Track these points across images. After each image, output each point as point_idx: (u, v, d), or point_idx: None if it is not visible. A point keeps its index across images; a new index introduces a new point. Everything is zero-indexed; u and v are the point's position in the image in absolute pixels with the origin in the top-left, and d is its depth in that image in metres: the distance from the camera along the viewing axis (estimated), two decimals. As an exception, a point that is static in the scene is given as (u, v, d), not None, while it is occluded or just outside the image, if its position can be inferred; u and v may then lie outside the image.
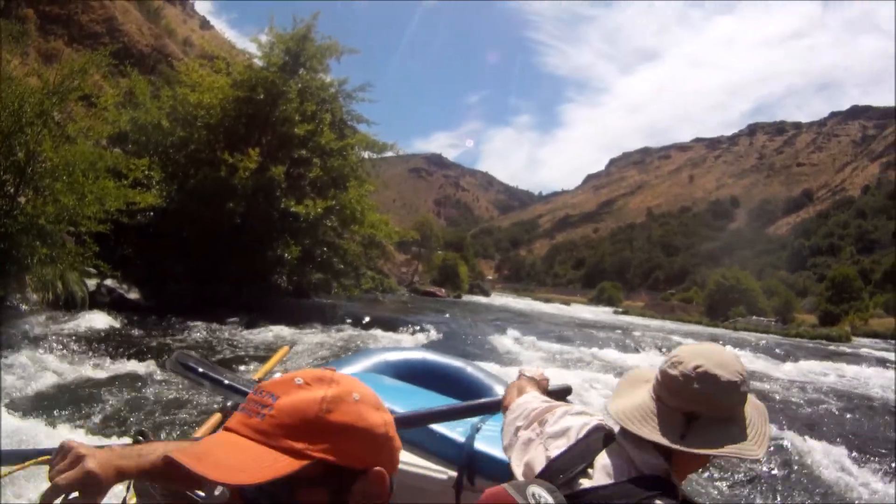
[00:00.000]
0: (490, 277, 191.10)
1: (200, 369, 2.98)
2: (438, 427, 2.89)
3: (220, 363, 8.26)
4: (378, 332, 17.31)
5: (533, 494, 1.31)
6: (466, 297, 71.87)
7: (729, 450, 1.44)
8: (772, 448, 8.73)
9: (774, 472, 7.76)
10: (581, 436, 1.58)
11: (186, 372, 2.99)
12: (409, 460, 2.79)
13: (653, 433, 1.46)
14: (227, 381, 2.96)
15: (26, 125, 11.79)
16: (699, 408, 1.46)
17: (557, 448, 1.57)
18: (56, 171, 12.10)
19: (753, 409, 1.56)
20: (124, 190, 13.49)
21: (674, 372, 1.49)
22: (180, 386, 8.12)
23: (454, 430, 2.91)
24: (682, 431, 1.45)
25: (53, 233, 12.38)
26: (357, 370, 4.00)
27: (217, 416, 2.85)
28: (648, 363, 16.67)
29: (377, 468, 1.00)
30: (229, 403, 3.01)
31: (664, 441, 1.44)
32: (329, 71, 23.11)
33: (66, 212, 12.21)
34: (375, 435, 1.01)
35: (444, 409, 2.67)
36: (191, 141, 20.04)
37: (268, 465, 0.92)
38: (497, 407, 2.28)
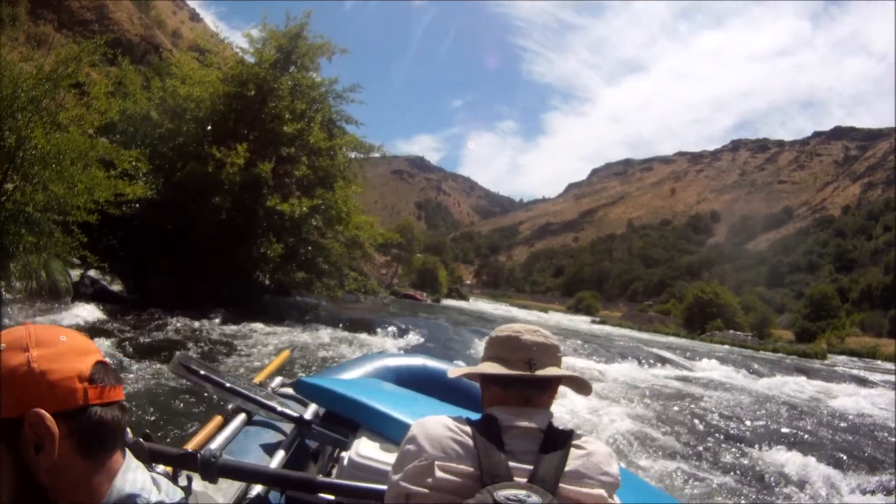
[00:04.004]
0: (469, 282, 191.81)
1: (202, 372, 2.99)
2: None
3: (203, 359, 8.21)
4: (362, 333, 17.32)
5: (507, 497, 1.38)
6: (445, 301, 72.14)
7: (568, 373, 1.71)
8: (748, 458, 8.82)
9: (751, 483, 7.83)
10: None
11: (189, 374, 2.99)
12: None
13: (506, 371, 1.66)
14: (228, 385, 2.97)
15: (18, 110, 11.70)
16: (535, 355, 1.68)
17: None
18: (46, 159, 12.01)
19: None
20: (114, 180, 13.41)
21: (505, 333, 1.74)
22: (168, 385, 8.10)
23: None
24: (529, 370, 1.65)
25: (41, 221, 12.30)
26: (357, 375, 4.01)
27: (218, 419, 2.87)
28: (625, 373, 16.83)
29: (33, 410, 1.01)
30: (230, 406, 3.03)
31: (518, 373, 1.65)
32: (320, 70, 23.10)
33: (56, 200, 12.14)
34: (16, 377, 1.02)
35: None
36: (179, 134, 19.87)
37: None
38: None
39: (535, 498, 1.37)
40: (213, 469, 2.05)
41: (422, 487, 1.48)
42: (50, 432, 1.01)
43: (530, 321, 2.53)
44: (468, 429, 1.57)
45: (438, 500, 1.46)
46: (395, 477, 1.56)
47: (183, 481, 1.83)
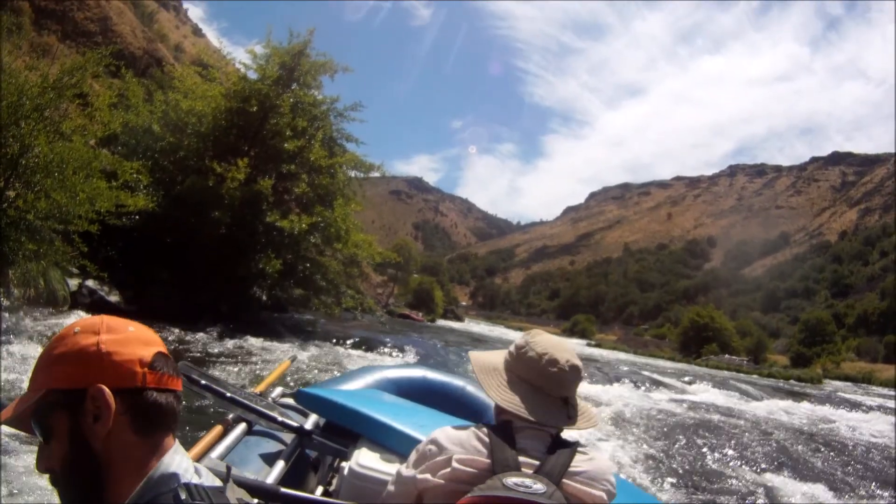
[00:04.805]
0: (464, 303, 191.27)
1: (203, 381, 2.99)
2: None
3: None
4: (358, 350, 17.31)
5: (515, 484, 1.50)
6: (441, 322, 72.01)
7: (595, 421, 1.86)
8: (741, 480, 8.81)
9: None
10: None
11: (189, 384, 2.98)
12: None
13: (550, 420, 1.77)
14: (228, 394, 2.97)
15: (22, 118, 11.74)
16: (570, 392, 1.82)
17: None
18: (49, 167, 12.02)
19: None
20: (115, 191, 13.43)
21: (554, 369, 1.79)
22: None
23: None
24: (567, 412, 1.79)
25: (42, 229, 12.31)
26: (357, 386, 4.00)
27: (218, 428, 2.86)
28: (621, 396, 16.77)
29: (97, 385, 1.13)
30: (230, 416, 3.02)
31: (562, 426, 1.79)
32: (322, 87, 23.11)
33: (57, 209, 12.14)
34: (85, 355, 1.16)
35: None
36: (180, 147, 19.92)
37: (18, 402, 1.16)
38: None
39: (539, 485, 1.49)
40: None
41: (439, 479, 1.65)
42: (108, 405, 1.13)
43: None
44: (486, 429, 1.73)
45: (453, 489, 1.61)
46: (410, 472, 1.76)
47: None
